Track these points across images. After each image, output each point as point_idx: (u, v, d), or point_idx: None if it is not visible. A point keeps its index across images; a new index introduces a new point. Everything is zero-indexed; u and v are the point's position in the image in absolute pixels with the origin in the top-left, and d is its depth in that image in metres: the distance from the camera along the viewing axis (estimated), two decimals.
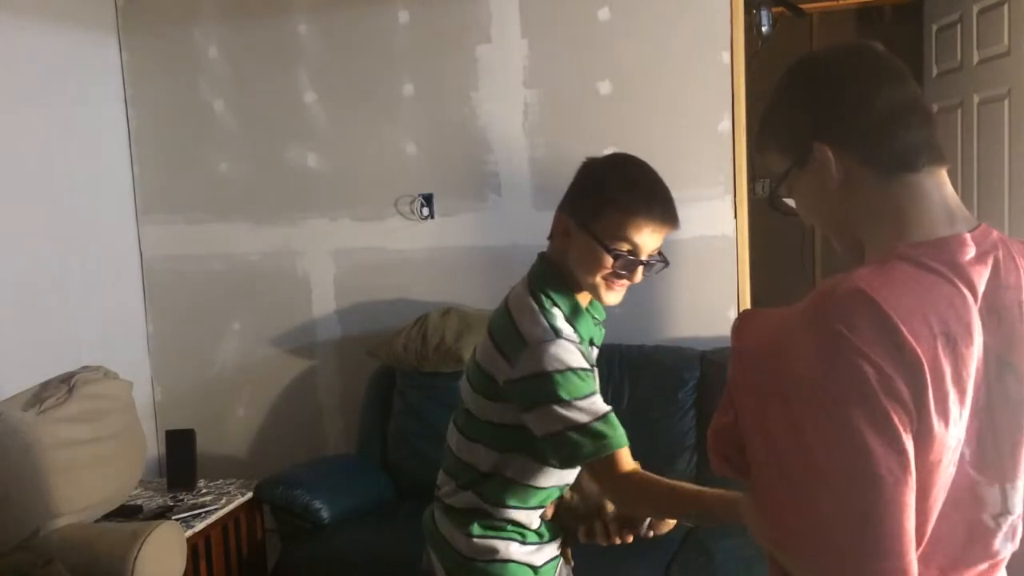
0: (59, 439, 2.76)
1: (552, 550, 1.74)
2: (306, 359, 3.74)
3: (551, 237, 1.62)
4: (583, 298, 1.62)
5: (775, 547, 0.99)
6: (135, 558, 2.45)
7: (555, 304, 1.57)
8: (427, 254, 3.55)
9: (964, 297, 0.94)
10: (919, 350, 0.89)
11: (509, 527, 1.68)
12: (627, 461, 1.52)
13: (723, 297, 3.28)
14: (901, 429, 0.88)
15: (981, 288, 0.96)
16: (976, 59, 3.48)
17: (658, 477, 1.53)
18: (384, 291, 3.63)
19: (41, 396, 2.86)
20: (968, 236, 0.98)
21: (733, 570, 2.61)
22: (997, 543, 1.01)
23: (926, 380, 0.89)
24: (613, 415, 1.52)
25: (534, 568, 1.70)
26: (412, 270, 3.58)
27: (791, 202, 1.09)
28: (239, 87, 3.69)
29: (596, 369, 1.66)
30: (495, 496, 1.66)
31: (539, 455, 1.59)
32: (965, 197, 3.20)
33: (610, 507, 1.65)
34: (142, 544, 2.48)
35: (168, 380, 3.87)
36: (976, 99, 3.49)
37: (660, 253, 1.57)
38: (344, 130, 3.59)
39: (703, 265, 3.26)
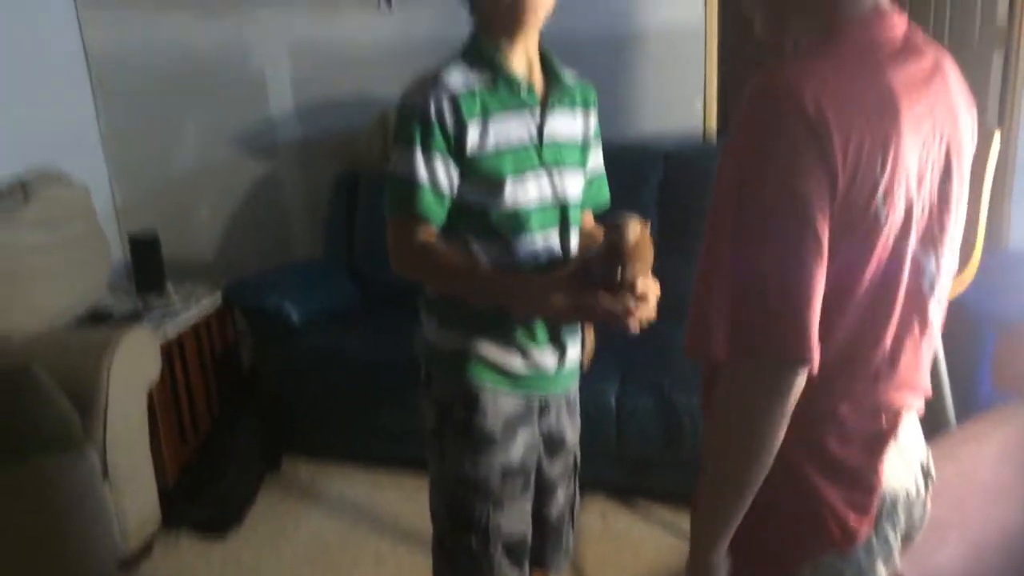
0: (21, 244, 2.74)
1: (542, 359, 1.63)
2: (267, 159, 3.66)
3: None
4: (507, 54, 1.58)
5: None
6: (110, 364, 2.48)
7: (462, 56, 1.59)
8: (388, 48, 3.39)
9: (889, 88, 0.96)
10: (847, 150, 0.91)
11: (475, 319, 1.58)
12: (422, 233, 1.51)
13: (689, 88, 3.23)
14: (820, 229, 0.93)
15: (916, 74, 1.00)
16: None
17: (457, 254, 1.52)
18: (344, 87, 3.50)
19: None
20: (895, 17, 1.03)
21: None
22: (931, 310, 1.09)
23: (862, 176, 0.93)
24: (427, 184, 1.49)
25: (506, 374, 1.60)
26: (373, 65, 3.43)
27: None
28: None
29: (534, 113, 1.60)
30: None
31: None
32: None
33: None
34: (115, 350, 2.51)
35: (127, 183, 3.76)
36: None
37: None
38: None
39: (670, 57, 3.19)
